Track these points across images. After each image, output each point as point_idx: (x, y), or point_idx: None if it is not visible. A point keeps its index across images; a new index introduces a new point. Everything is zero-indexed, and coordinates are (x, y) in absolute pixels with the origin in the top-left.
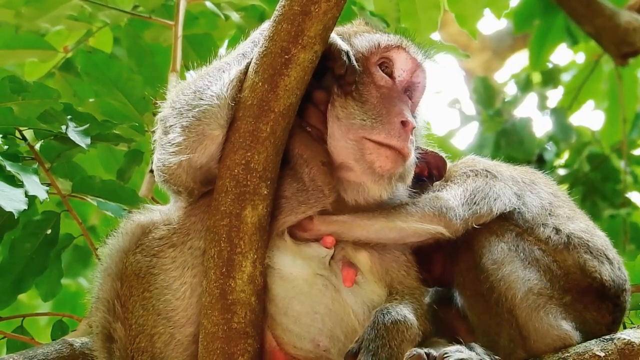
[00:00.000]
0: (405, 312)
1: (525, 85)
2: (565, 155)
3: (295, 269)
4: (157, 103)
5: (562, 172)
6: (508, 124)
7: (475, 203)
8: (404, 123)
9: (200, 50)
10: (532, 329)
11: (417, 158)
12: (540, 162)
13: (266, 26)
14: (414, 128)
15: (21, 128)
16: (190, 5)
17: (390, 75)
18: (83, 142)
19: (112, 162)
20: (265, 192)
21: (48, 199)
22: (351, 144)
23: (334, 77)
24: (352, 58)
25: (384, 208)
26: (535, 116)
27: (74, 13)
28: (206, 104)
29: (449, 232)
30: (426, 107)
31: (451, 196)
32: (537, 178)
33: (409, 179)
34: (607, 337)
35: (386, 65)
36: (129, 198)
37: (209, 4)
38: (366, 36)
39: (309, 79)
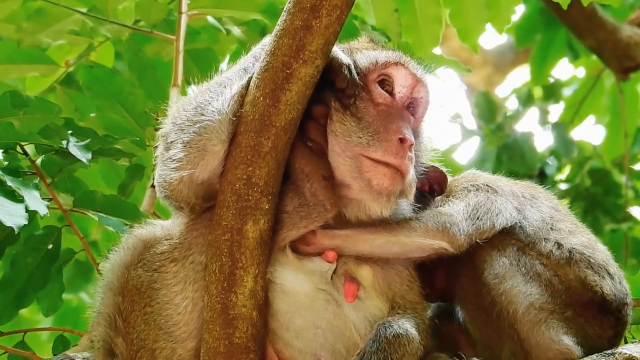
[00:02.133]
0: (407, 326)
1: (526, 100)
2: (567, 170)
3: (297, 283)
4: (158, 119)
5: (563, 186)
6: (509, 138)
7: (478, 218)
8: (402, 140)
9: (202, 64)
10: (533, 343)
11: (421, 174)
12: (542, 177)
13: (267, 41)
14: (412, 145)
15: (22, 143)
16: (191, 19)
17: (391, 91)
18: (84, 157)
19: (113, 177)
20: (267, 206)
21: (48, 214)
22: (349, 161)
23: (333, 90)
24: (354, 71)
25: (387, 223)
26: (536, 131)
27: (75, 27)
28: (207, 120)
29: (452, 247)
30: (430, 122)
31: (454, 211)
32: (537, 192)
33: (411, 195)
34: (609, 351)
35: (386, 82)
36: (130, 213)
37: (210, 19)
38: (366, 53)
39: (310, 93)
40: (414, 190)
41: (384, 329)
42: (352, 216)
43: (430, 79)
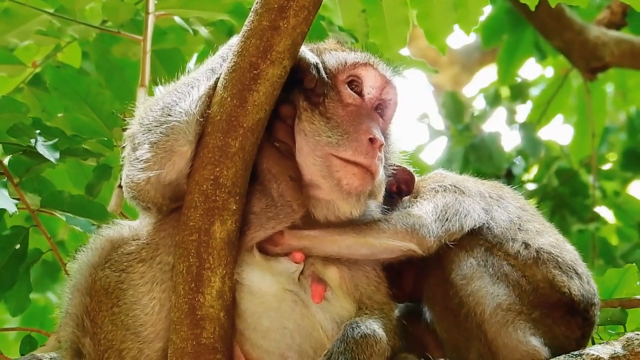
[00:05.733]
0: (374, 326)
1: (493, 100)
2: (534, 170)
3: (264, 284)
4: (125, 119)
5: (531, 186)
6: (477, 138)
7: (447, 220)
8: (371, 140)
9: (169, 65)
10: (501, 344)
11: (389, 175)
12: (509, 177)
13: (235, 41)
14: (382, 145)
15: None
16: (158, 20)
17: (360, 92)
18: (52, 156)
19: (81, 177)
20: (234, 207)
21: (18, 213)
22: (318, 160)
23: (301, 90)
24: (322, 70)
25: (355, 224)
26: (503, 131)
27: (42, 28)
28: (174, 121)
29: (421, 249)
30: (398, 123)
31: (423, 213)
32: (504, 193)
33: (380, 196)
34: (576, 352)
35: (355, 83)
36: (97, 213)
37: (177, 19)
38: (335, 54)
39: (277, 94)
40: (383, 191)
41: (351, 329)
42: (321, 217)
43: (398, 81)
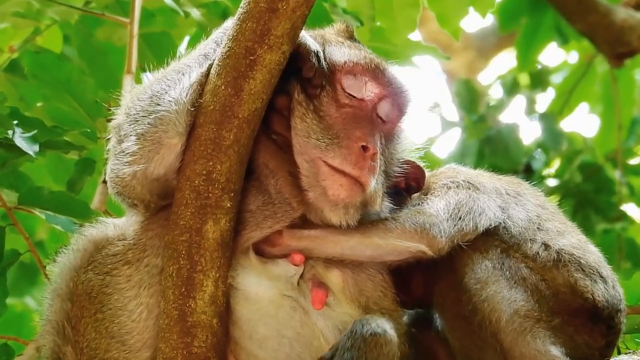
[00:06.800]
0: (386, 326)
1: (511, 88)
2: (556, 165)
3: (260, 289)
4: (110, 109)
5: (551, 182)
6: (493, 130)
7: (460, 218)
8: (364, 148)
9: (158, 50)
10: (518, 354)
11: (398, 172)
12: (528, 172)
13: (229, 24)
14: (375, 154)
15: None
16: (146, 1)
17: (360, 93)
18: (31, 149)
19: (61, 172)
20: (228, 205)
21: None
22: (305, 164)
23: (298, 80)
24: (322, 59)
25: (360, 222)
26: (522, 121)
27: (20, 9)
28: (163, 110)
29: (432, 250)
30: (408, 120)
31: (434, 211)
32: (522, 189)
33: (377, 205)
34: None
35: (356, 83)
36: (80, 211)
37: (167, 0)
38: (340, 48)
39: (275, 82)
40: (379, 199)
41: (360, 326)
42: (315, 220)
43: (406, 80)
